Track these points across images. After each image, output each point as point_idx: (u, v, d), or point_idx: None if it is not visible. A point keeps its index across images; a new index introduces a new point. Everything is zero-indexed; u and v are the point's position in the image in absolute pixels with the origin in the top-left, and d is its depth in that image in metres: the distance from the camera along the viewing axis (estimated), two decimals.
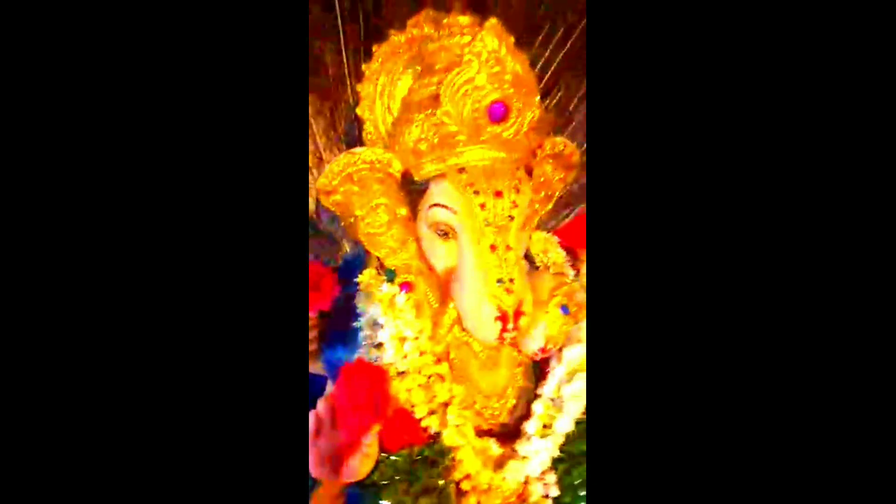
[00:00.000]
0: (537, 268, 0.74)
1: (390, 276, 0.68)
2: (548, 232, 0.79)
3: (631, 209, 0.51)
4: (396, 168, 0.65)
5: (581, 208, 0.87)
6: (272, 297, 0.50)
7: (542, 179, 0.71)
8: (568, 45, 0.84)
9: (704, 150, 0.49)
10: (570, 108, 0.86)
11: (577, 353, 0.68)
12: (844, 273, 0.48)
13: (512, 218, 0.61)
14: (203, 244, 0.49)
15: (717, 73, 0.49)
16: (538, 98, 0.62)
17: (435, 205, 0.63)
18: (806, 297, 0.48)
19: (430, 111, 0.60)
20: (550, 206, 0.76)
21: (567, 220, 0.89)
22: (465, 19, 0.62)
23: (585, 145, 0.77)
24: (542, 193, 0.73)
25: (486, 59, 0.58)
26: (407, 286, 0.67)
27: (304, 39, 0.65)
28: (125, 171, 0.48)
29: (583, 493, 0.66)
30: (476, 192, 0.60)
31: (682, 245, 0.50)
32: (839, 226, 0.48)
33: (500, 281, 0.60)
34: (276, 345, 0.50)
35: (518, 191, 0.62)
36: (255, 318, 0.50)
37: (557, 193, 0.75)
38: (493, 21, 0.58)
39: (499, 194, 0.60)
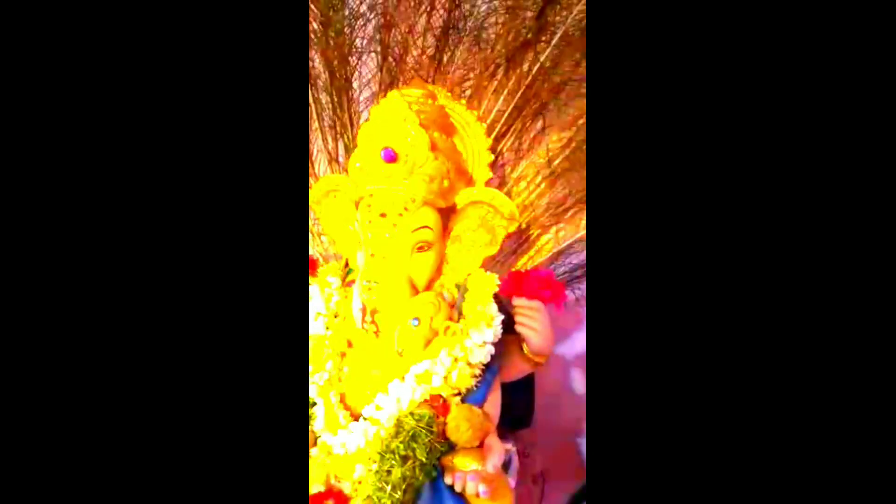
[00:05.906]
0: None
1: (349, 272, 0.91)
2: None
3: (630, 217, 0.55)
4: (352, 191, 0.88)
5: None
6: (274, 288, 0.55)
7: (477, 224, 0.84)
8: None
9: (703, 154, 0.53)
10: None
11: (421, 367, 0.78)
12: (842, 274, 0.49)
13: (389, 236, 0.78)
14: (207, 235, 0.54)
15: (715, 96, 0.53)
16: (429, 153, 0.77)
17: (356, 221, 0.84)
18: (803, 304, 0.50)
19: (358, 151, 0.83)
20: (495, 249, 0.86)
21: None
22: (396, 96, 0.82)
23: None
24: (488, 237, 0.85)
25: (384, 120, 0.78)
26: (350, 283, 0.89)
27: (304, 56, 0.90)
28: (125, 175, 0.52)
29: (397, 495, 0.71)
30: (370, 212, 0.79)
31: (679, 252, 0.53)
32: (835, 236, 0.49)
33: (366, 281, 0.77)
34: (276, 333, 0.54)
35: (401, 216, 0.78)
36: (255, 309, 0.54)
37: (500, 239, 0.85)
38: (392, 94, 0.79)
39: (382, 215, 0.78)
